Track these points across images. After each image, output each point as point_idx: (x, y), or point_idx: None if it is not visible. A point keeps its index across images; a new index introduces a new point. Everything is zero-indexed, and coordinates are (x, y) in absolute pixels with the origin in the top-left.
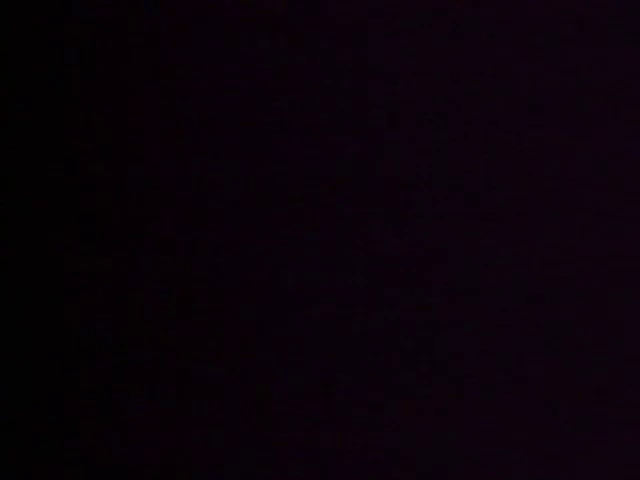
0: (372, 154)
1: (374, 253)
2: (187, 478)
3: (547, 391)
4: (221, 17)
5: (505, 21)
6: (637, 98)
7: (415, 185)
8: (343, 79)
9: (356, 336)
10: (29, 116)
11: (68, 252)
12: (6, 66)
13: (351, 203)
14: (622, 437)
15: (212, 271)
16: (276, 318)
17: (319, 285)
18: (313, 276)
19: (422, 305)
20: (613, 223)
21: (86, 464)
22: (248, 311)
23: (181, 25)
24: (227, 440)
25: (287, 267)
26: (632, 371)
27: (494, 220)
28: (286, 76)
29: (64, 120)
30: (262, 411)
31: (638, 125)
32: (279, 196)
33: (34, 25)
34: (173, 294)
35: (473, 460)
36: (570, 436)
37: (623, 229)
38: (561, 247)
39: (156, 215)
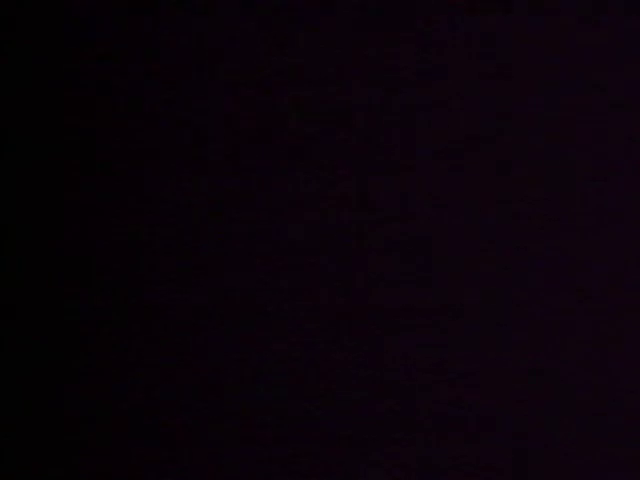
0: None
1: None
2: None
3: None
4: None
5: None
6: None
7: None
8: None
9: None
10: (29, 118)
11: (69, 254)
12: (6, 68)
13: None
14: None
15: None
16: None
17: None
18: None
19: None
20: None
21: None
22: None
23: (180, 27)
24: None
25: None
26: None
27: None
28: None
29: (64, 121)
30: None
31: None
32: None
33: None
34: (174, 300)
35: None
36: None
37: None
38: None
39: (156, 218)
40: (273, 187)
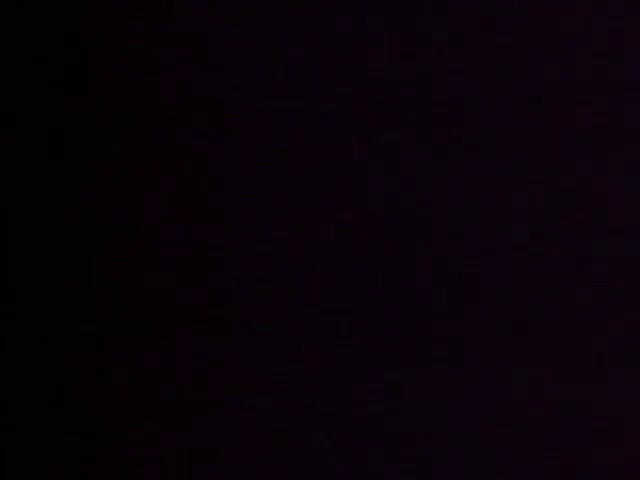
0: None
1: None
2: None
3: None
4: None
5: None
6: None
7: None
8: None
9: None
10: (30, 121)
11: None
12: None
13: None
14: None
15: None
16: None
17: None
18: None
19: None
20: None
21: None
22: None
23: (181, 28)
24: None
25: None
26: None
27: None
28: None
29: (65, 123)
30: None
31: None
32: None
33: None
34: (174, 297)
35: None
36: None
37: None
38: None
39: (155, 220)
40: (272, 184)
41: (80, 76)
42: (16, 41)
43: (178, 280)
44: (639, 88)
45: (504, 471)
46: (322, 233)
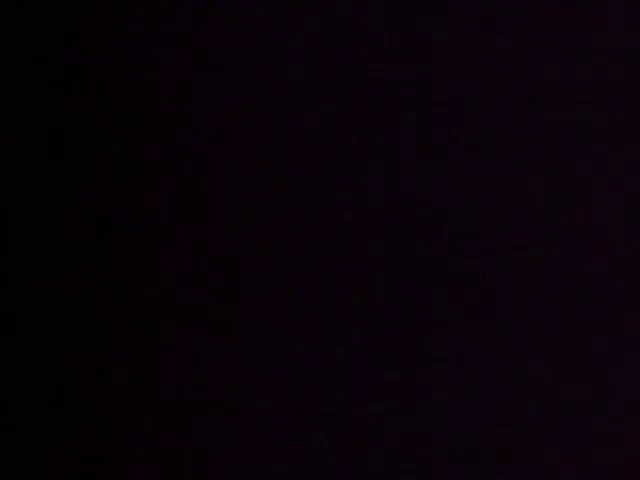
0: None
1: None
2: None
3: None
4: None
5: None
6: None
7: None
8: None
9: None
10: (30, 121)
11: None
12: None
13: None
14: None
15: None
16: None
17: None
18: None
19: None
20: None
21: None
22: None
23: (181, 28)
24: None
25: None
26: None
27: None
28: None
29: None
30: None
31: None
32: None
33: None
34: (174, 297)
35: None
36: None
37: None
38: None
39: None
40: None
41: (80, 76)
42: (16, 41)
43: (178, 280)
44: (639, 88)
45: (504, 471)
46: (322, 233)
